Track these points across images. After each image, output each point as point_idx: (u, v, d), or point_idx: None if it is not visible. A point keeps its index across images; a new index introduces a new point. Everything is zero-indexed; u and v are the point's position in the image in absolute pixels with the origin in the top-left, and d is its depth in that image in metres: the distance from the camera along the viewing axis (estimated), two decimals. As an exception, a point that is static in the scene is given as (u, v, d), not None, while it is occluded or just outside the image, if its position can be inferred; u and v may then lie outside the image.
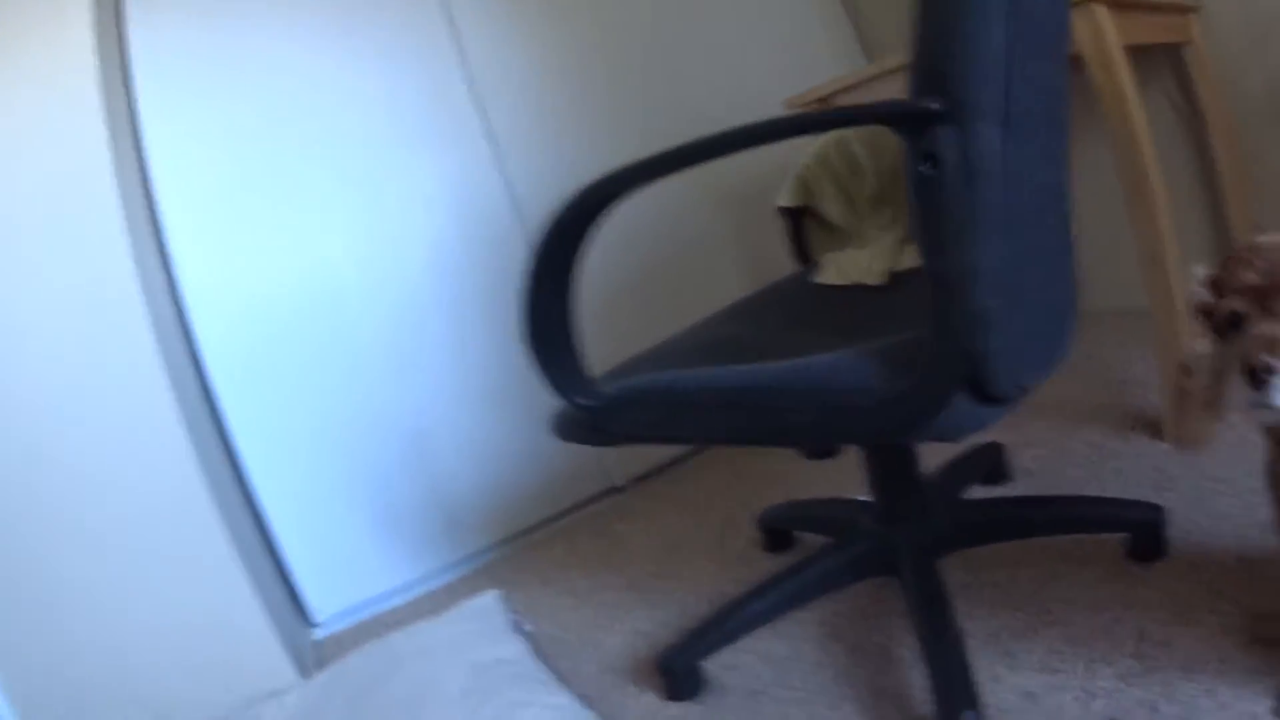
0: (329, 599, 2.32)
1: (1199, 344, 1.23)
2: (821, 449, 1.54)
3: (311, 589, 2.29)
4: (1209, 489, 1.90)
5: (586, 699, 1.71)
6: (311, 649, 2.20)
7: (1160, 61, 2.84)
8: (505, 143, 2.55)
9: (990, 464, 2.16)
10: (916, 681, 1.53)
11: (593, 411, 1.42)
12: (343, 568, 2.33)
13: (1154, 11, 2.42)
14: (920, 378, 1.18)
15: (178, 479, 1.96)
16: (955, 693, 1.39)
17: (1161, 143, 2.90)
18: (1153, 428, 2.22)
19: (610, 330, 2.15)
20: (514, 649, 1.85)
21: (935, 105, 1.12)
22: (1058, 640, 1.60)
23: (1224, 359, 1.16)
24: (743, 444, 2.47)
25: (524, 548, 2.54)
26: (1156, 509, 1.74)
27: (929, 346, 1.18)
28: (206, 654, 1.97)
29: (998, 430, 2.34)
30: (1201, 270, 1.21)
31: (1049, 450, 2.31)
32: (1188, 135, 2.88)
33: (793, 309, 1.80)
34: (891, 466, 1.70)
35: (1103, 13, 1.96)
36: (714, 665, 1.72)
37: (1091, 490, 2.06)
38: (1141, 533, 1.74)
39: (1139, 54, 2.73)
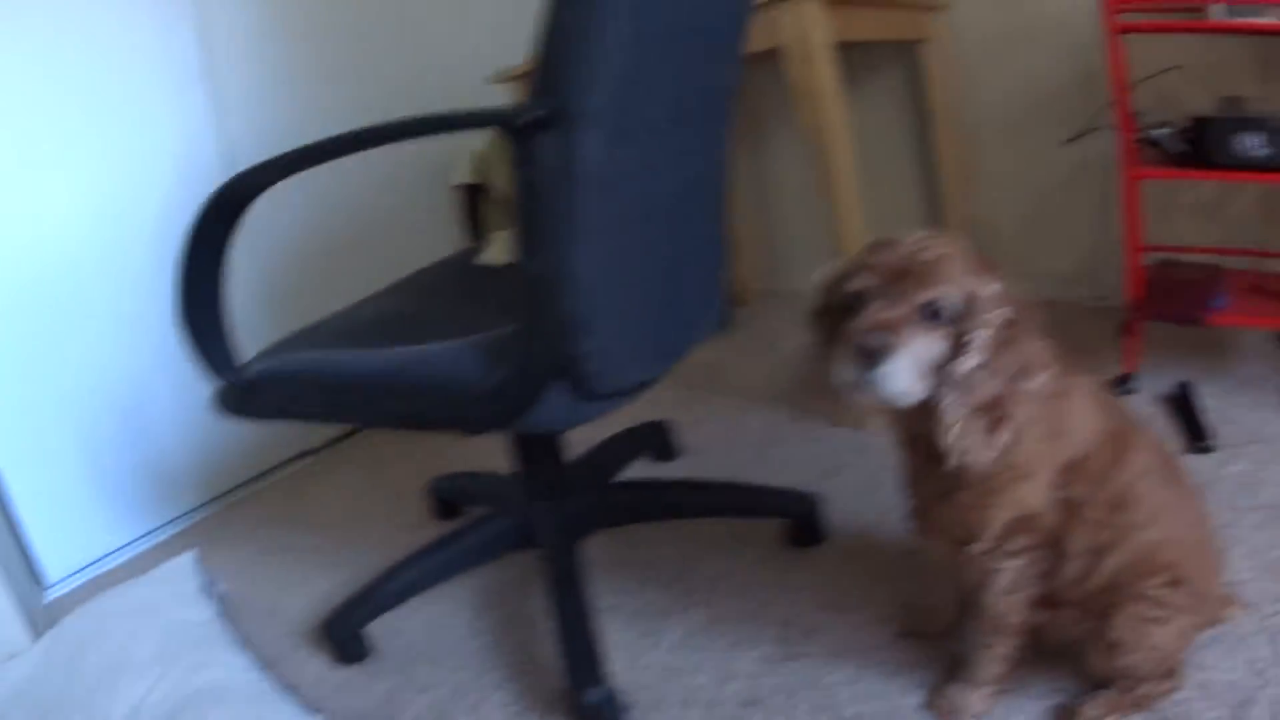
0: (61, 560, 2.27)
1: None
2: (463, 430, 1.57)
3: (45, 550, 2.24)
4: (876, 478, 1.98)
5: (266, 661, 1.73)
6: (44, 611, 2.16)
7: (897, 56, 2.92)
8: (229, 106, 2.51)
9: (656, 441, 2.22)
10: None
11: (236, 389, 1.43)
12: (73, 528, 2.28)
13: (884, 8, 2.47)
14: (513, 374, 1.21)
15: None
16: (582, 670, 1.44)
17: (887, 136, 2.99)
18: (829, 413, 2.30)
19: (302, 303, 2.15)
20: (204, 611, 1.85)
21: (536, 113, 1.13)
22: (702, 621, 1.65)
23: (835, 344, 1.14)
24: (365, 426, 2.51)
25: (229, 507, 2.53)
26: (810, 498, 1.81)
27: (524, 343, 1.21)
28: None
29: (671, 407, 2.43)
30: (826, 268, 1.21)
31: (722, 429, 2.38)
32: (917, 131, 2.98)
33: (452, 286, 1.81)
34: (533, 445, 1.73)
35: (811, 8, 1.99)
36: (379, 630, 1.75)
37: (757, 472, 2.12)
38: (797, 519, 1.80)
39: (871, 48, 2.81)
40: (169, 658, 1.68)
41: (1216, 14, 2.02)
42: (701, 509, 1.91)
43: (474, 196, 2.26)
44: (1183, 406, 2.12)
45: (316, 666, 1.70)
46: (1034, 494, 1.21)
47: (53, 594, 2.23)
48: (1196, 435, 2.01)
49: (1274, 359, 2.32)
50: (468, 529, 1.80)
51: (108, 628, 1.81)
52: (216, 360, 1.42)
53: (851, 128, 2.08)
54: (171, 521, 2.45)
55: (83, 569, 2.29)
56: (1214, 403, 2.13)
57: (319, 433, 2.77)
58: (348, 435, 2.82)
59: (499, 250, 1.92)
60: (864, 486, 1.97)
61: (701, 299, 1.55)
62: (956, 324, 1.11)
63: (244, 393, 1.43)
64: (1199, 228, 2.64)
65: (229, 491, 2.57)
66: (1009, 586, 1.26)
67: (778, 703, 1.43)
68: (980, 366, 1.10)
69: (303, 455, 2.73)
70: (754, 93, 3.24)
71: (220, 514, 2.50)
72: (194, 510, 2.49)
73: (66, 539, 2.27)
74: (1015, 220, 2.98)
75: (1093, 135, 2.63)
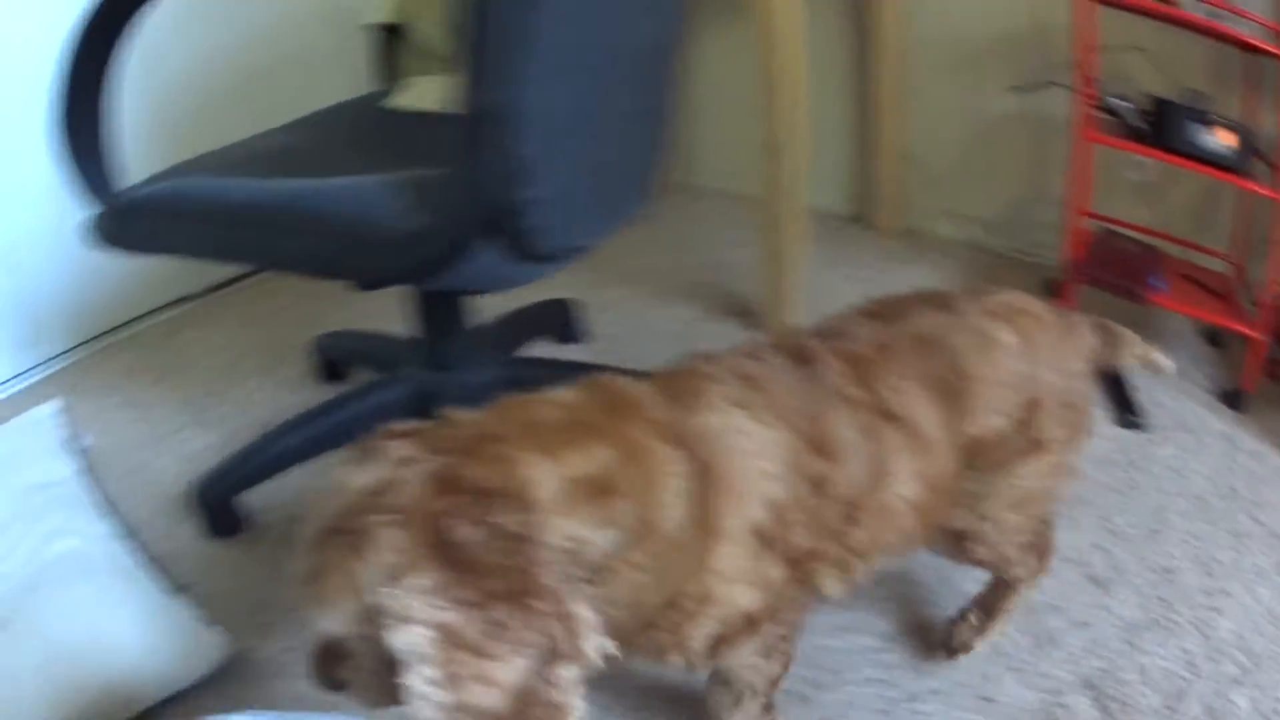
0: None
1: None
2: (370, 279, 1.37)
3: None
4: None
5: (130, 529, 1.54)
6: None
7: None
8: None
9: (560, 321, 2.10)
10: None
11: (114, 215, 1.26)
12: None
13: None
14: (439, 219, 1.06)
15: None
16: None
17: (825, 52, 2.87)
18: (746, 315, 2.24)
19: (193, 137, 1.94)
20: (65, 468, 1.67)
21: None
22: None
23: None
24: (251, 265, 2.28)
25: (97, 354, 2.30)
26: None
27: (455, 186, 1.06)
28: None
29: (578, 289, 2.27)
30: None
31: (629, 319, 2.28)
32: (855, 54, 2.88)
33: (354, 128, 1.63)
34: (438, 309, 1.57)
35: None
36: (253, 501, 1.59)
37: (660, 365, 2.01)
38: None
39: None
40: (26, 520, 1.49)
41: (1187, 5, 2.01)
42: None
43: (390, 38, 2.05)
44: (1114, 379, 2.14)
45: (184, 537, 1.55)
46: (741, 595, 0.94)
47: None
48: (1128, 410, 2.04)
49: (1195, 351, 2.34)
50: (357, 394, 1.63)
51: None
52: (94, 182, 1.27)
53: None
54: (34, 368, 2.24)
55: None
56: (1140, 384, 2.13)
57: (199, 277, 2.51)
58: (231, 282, 2.56)
59: (417, 96, 1.74)
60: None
61: (642, 169, 1.43)
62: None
63: (122, 219, 1.28)
64: (1133, 208, 2.61)
65: (98, 337, 2.35)
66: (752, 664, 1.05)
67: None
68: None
69: (181, 300, 2.48)
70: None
71: (87, 360, 2.28)
72: (59, 355, 2.28)
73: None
74: (946, 158, 2.91)
75: (1042, 90, 2.59)
